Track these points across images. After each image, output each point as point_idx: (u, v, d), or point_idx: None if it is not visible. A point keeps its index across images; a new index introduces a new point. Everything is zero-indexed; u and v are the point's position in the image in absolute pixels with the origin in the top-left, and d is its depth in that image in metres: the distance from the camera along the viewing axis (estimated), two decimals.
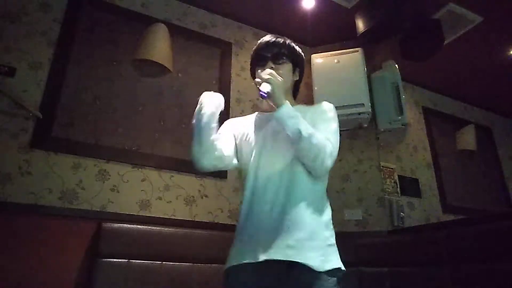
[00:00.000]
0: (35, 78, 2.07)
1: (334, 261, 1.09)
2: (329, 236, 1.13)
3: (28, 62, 2.07)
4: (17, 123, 1.95)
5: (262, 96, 1.12)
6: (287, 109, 1.12)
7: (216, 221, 2.33)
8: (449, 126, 3.71)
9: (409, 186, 2.96)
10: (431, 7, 2.75)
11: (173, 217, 2.20)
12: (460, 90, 3.79)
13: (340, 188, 2.73)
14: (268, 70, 1.17)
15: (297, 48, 1.32)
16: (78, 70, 2.21)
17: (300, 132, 1.08)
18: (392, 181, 2.77)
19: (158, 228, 2.05)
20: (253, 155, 1.22)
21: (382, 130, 2.80)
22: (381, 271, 2.12)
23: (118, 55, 2.37)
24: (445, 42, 2.86)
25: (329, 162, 1.11)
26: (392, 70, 2.84)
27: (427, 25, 2.80)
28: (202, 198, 2.34)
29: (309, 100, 2.90)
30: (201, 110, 1.27)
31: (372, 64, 2.92)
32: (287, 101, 1.14)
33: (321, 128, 1.16)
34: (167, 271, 1.95)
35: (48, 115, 2.03)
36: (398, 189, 2.77)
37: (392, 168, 2.82)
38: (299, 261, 1.02)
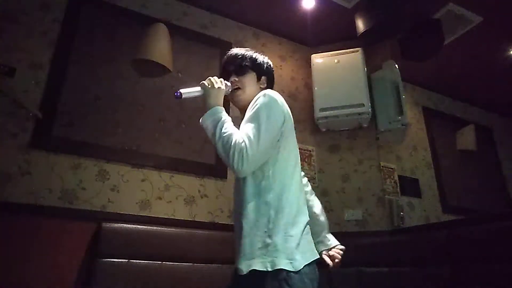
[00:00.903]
0: (35, 78, 2.07)
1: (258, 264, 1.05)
2: (266, 236, 1.07)
3: (28, 62, 2.07)
4: (17, 123, 1.95)
5: (175, 96, 1.21)
6: (210, 112, 1.16)
7: (216, 221, 2.33)
8: (449, 126, 3.71)
9: (409, 186, 2.96)
10: (431, 7, 2.75)
11: (173, 217, 2.20)
12: (460, 90, 3.79)
13: (340, 188, 2.73)
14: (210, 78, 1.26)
15: (260, 58, 1.37)
16: (78, 70, 2.21)
17: (213, 135, 1.12)
18: (392, 181, 2.77)
19: (158, 228, 2.04)
20: None
21: (382, 130, 2.80)
22: (381, 271, 2.12)
23: (118, 55, 2.37)
24: (445, 42, 2.86)
25: (243, 164, 1.05)
26: (392, 70, 2.84)
27: (427, 25, 2.81)
28: (202, 198, 2.34)
29: (309, 100, 2.90)
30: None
31: (372, 64, 2.92)
32: (217, 106, 1.18)
33: (243, 127, 1.13)
34: (167, 271, 1.95)
35: (48, 115, 2.03)
36: (398, 189, 2.77)
37: (392, 168, 2.82)
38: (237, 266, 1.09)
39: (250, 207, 1.11)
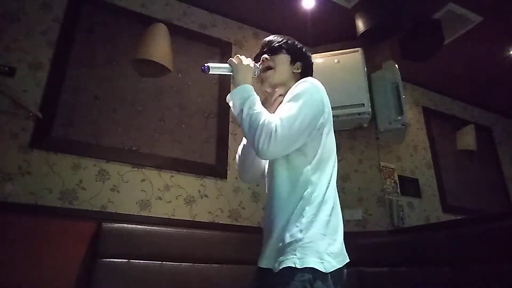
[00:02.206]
0: (35, 78, 2.07)
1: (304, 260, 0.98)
2: (298, 231, 1.02)
3: (28, 62, 2.07)
4: (17, 123, 1.95)
5: (202, 70, 1.15)
6: (239, 90, 1.10)
7: (216, 221, 2.33)
8: (449, 126, 3.71)
9: (409, 186, 2.96)
10: (431, 7, 2.75)
11: (173, 217, 2.20)
12: (460, 90, 3.79)
13: (340, 188, 2.68)
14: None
15: (298, 44, 1.33)
16: (78, 70, 2.21)
17: (240, 112, 1.06)
18: (392, 181, 2.77)
19: (158, 228, 2.04)
20: None
21: (382, 130, 2.80)
22: (381, 271, 2.12)
23: (118, 55, 2.37)
24: (445, 42, 2.86)
25: (270, 145, 0.98)
26: (392, 70, 2.84)
27: (427, 25, 2.80)
28: (202, 198, 2.34)
29: None
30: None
31: (372, 64, 2.92)
32: (246, 84, 1.11)
33: (279, 110, 1.08)
34: (167, 271, 1.95)
35: (48, 115, 2.03)
36: (398, 189, 2.77)
37: (392, 168, 2.82)
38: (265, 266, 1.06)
39: (284, 202, 1.07)
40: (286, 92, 1.15)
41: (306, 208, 1.04)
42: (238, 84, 1.12)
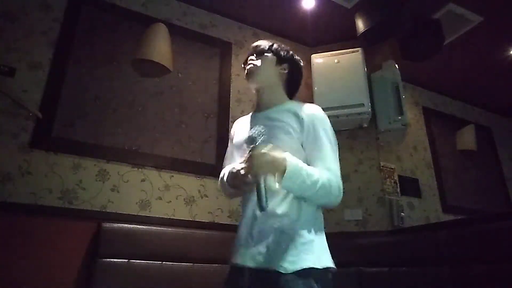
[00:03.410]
0: (35, 78, 2.07)
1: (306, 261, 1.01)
2: (303, 234, 1.06)
3: (28, 62, 2.07)
4: (17, 123, 1.95)
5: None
6: (290, 176, 1.02)
7: (216, 221, 2.33)
8: (449, 126, 3.71)
9: (409, 186, 2.96)
10: (431, 7, 2.75)
11: (173, 217, 2.20)
12: (460, 90, 3.79)
13: None
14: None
15: (282, 46, 1.34)
16: (78, 70, 2.21)
17: (308, 189, 1.05)
18: (392, 181, 2.77)
19: (158, 228, 2.05)
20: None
21: (382, 130, 2.80)
22: (381, 271, 2.12)
23: (118, 55, 2.37)
24: (445, 42, 2.86)
25: (340, 196, 1.12)
26: (392, 70, 2.84)
27: (427, 25, 2.80)
28: (202, 198, 2.34)
29: (309, 100, 2.90)
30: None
31: (372, 64, 2.92)
32: (285, 162, 1.02)
33: (317, 156, 1.12)
34: (167, 271, 1.95)
35: (48, 115, 2.03)
36: (398, 189, 2.77)
37: (392, 168, 2.82)
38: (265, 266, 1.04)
39: (290, 204, 1.09)
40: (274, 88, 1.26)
41: (312, 209, 1.11)
42: (278, 171, 1.02)
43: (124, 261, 1.88)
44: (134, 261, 1.91)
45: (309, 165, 1.10)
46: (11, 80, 1.98)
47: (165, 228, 2.06)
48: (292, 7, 2.80)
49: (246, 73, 1.29)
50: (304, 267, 0.99)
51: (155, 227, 2.04)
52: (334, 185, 1.08)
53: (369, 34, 2.63)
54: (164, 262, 1.96)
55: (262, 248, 1.05)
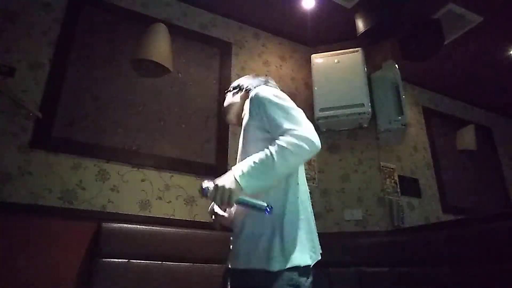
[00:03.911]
0: (35, 78, 2.07)
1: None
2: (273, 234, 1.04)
3: (28, 62, 2.07)
4: (17, 123, 1.95)
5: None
6: (242, 178, 1.00)
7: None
8: (449, 126, 3.71)
9: (409, 186, 2.96)
10: (431, 7, 2.75)
11: (173, 217, 2.20)
12: (460, 90, 3.79)
13: (340, 188, 2.73)
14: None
15: (244, 80, 1.46)
16: (78, 70, 2.21)
17: (270, 176, 1.02)
18: (392, 181, 2.77)
19: (158, 228, 2.04)
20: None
21: (382, 130, 2.80)
22: (381, 271, 2.12)
23: (118, 55, 2.37)
24: (445, 42, 2.86)
25: (311, 143, 1.02)
26: (392, 70, 2.84)
27: (427, 25, 2.81)
28: (202, 198, 2.33)
29: (309, 100, 2.90)
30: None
31: (372, 64, 2.92)
32: (232, 174, 1.01)
33: (275, 129, 1.08)
34: (167, 271, 1.95)
35: (48, 115, 2.03)
36: (398, 189, 2.77)
37: (392, 168, 2.82)
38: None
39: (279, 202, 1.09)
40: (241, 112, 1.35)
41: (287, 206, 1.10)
42: (234, 182, 1.00)
43: (124, 261, 1.88)
44: (134, 261, 1.90)
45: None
46: (11, 80, 1.98)
47: (165, 228, 2.06)
48: (292, 7, 2.80)
49: (224, 115, 1.47)
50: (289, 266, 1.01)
51: (155, 227, 2.04)
52: (293, 140, 1.01)
53: (369, 34, 2.63)
54: (164, 262, 1.96)
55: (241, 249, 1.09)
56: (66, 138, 2.06)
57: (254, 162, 1.01)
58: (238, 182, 0.99)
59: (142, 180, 2.20)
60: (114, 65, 2.34)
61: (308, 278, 1.05)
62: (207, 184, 1.03)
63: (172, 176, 2.29)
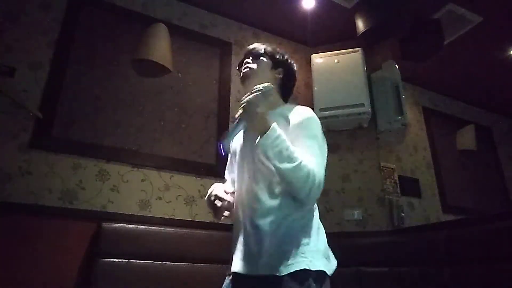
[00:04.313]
0: (35, 78, 2.07)
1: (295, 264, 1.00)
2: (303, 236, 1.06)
3: (28, 62, 2.07)
4: (17, 123, 1.95)
5: (219, 152, 1.07)
6: (268, 137, 1.01)
7: (216, 221, 2.32)
8: (449, 126, 3.71)
9: (409, 186, 2.95)
10: (431, 7, 2.75)
11: (173, 217, 2.20)
12: (460, 90, 3.79)
13: (340, 188, 2.73)
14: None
15: (280, 51, 1.35)
16: (78, 70, 2.21)
17: (280, 160, 1.00)
18: (392, 181, 2.77)
19: (158, 228, 2.05)
20: (236, 172, 1.29)
21: (382, 130, 2.80)
22: (381, 271, 2.12)
23: (118, 55, 2.37)
24: (445, 42, 2.86)
25: (318, 195, 1.02)
26: (392, 70, 2.84)
27: (427, 25, 2.81)
28: (202, 198, 2.34)
29: (309, 100, 2.90)
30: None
31: (372, 64, 2.92)
32: (270, 124, 1.02)
33: (302, 148, 1.05)
34: (167, 271, 1.95)
35: (48, 115, 2.03)
36: (398, 189, 2.77)
37: (392, 168, 2.82)
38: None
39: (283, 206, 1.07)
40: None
41: (301, 213, 1.09)
42: (259, 129, 1.02)
43: (124, 261, 1.88)
44: (134, 261, 1.91)
45: None
46: (11, 80, 1.98)
47: (165, 228, 2.06)
48: (292, 7, 2.80)
49: (242, 76, 1.29)
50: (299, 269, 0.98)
51: (155, 227, 2.04)
52: (312, 175, 0.99)
53: (369, 34, 2.63)
54: (164, 262, 1.96)
55: (253, 254, 1.06)
56: (66, 138, 2.06)
57: (287, 146, 1.01)
58: (267, 129, 1.00)
59: (142, 180, 2.20)
60: (114, 65, 2.34)
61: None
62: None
63: (172, 176, 2.29)
